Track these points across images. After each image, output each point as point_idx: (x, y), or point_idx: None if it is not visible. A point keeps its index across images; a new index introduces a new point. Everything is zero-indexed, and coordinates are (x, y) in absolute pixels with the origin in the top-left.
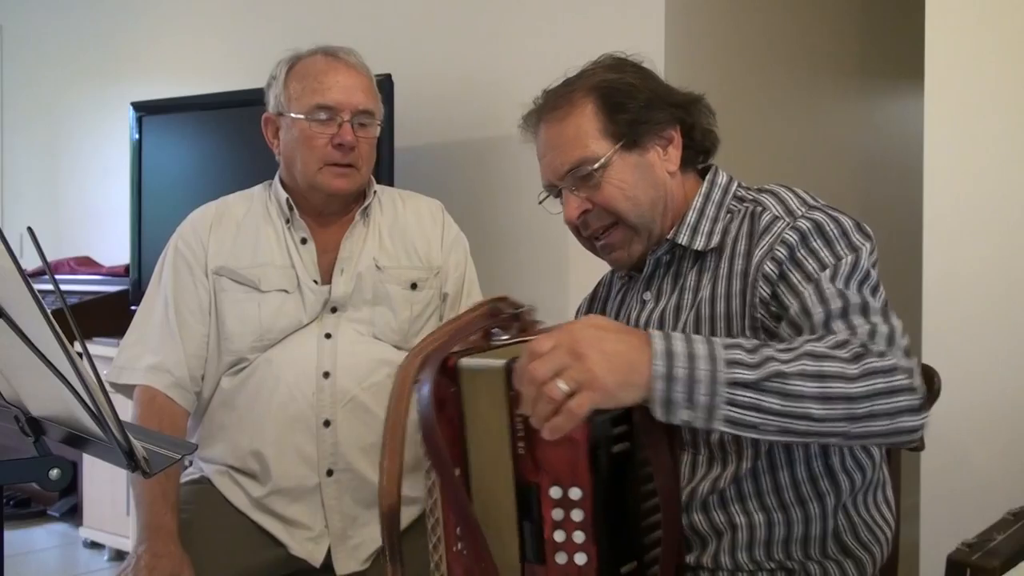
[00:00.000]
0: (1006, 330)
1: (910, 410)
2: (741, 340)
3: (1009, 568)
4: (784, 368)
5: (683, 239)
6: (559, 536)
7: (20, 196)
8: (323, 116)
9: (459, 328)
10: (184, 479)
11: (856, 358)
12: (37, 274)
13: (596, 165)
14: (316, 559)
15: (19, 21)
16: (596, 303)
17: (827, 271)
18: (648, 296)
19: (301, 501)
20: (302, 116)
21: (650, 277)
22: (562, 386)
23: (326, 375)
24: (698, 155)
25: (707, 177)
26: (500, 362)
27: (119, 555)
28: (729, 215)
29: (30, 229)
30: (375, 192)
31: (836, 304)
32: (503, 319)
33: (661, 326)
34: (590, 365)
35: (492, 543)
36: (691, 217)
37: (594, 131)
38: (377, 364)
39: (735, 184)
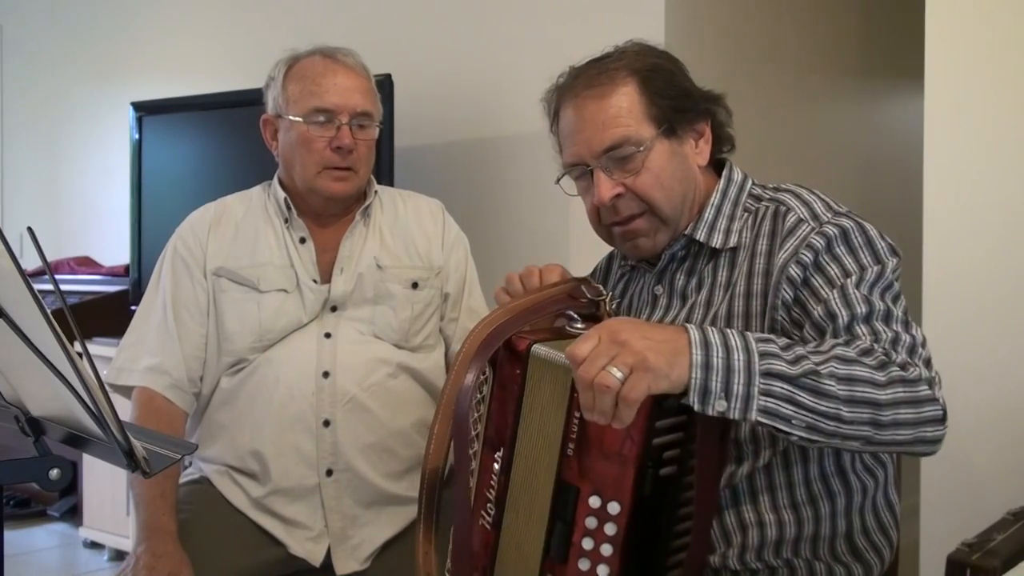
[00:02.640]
0: (1006, 330)
1: (933, 420)
2: (772, 336)
3: (1009, 568)
4: (817, 368)
5: (701, 236)
6: (587, 543)
7: (20, 196)
8: (321, 119)
9: (536, 305)
10: (183, 479)
11: (882, 366)
12: (37, 274)
13: (640, 148)
14: (316, 559)
15: (19, 21)
16: None
17: (852, 277)
18: (660, 291)
19: (300, 501)
20: (300, 119)
21: (662, 271)
22: (615, 372)
23: (326, 375)
24: (717, 153)
25: (723, 174)
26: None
27: (119, 555)
28: (747, 214)
29: (30, 229)
30: (376, 192)
31: (861, 309)
32: (581, 303)
33: (675, 322)
34: (637, 348)
35: (519, 528)
36: (709, 214)
37: (638, 112)
38: (377, 364)
39: (750, 181)
